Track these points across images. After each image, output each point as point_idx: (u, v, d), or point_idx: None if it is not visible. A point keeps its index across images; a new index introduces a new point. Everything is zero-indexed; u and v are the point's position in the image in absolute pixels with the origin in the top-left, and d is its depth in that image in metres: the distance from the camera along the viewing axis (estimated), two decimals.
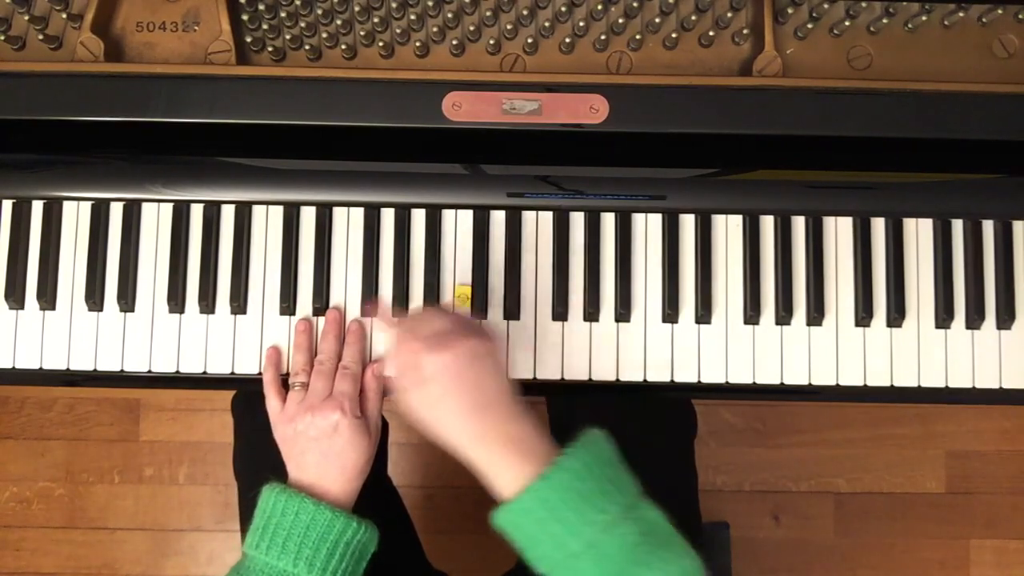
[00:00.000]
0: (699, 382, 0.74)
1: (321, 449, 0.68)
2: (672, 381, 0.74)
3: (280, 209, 0.75)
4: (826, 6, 0.73)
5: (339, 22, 0.74)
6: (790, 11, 0.74)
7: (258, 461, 0.83)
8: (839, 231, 0.75)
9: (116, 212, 0.74)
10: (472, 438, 0.60)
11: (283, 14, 0.73)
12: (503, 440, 0.60)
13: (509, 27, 0.74)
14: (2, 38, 0.73)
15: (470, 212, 0.75)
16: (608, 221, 0.75)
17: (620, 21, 0.73)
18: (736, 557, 1.30)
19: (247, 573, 0.64)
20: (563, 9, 0.74)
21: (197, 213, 0.75)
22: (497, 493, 0.60)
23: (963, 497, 1.45)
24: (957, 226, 0.76)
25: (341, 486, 0.68)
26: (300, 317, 0.74)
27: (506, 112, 0.72)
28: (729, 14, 0.74)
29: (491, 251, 0.75)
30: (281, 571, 0.63)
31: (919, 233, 0.76)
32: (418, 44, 0.74)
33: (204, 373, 0.74)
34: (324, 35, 0.74)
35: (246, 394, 0.87)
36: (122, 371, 0.74)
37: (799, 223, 0.75)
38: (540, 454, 0.59)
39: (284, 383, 0.72)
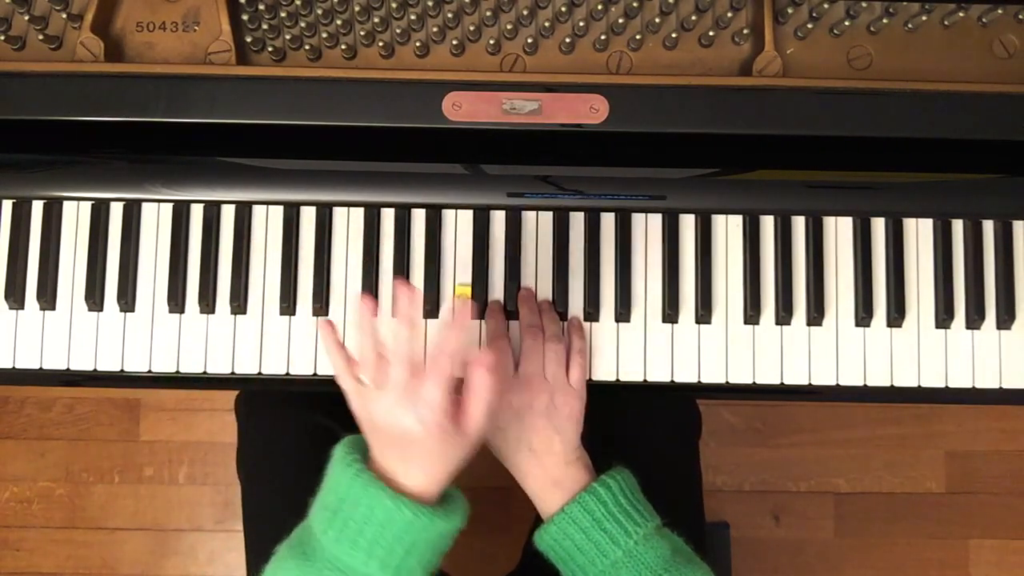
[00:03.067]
0: (699, 382, 0.74)
1: (404, 450, 0.59)
2: (672, 381, 0.74)
3: (280, 209, 0.75)
4: (826, 6, 0.73)
5: (339, 22, 0.74)
6: (790, 11, 0.74)
7: (262, 461, 0.83)
8: (839, 231, 0.75)
9: (116, 212, 0.74)
10: (524, 474, 0.67)
11: (283, 14, 0.73)
12: (551, 481, 0.66)
13: (509, 27, 0.74)
14: (2, 38, 0.73)
15: (470, 212, 0.75)
16: (608, 221, 0.75)
17: (620, 21, 0.73)
18: (736, 557, 1.30)
19: (315, 559, 0.57)
20: (563, 9, 0.74)
21: (197, 213, 0.75)
22: (545, 515, 0.66)
23: (963, 497, 1.45)
24: (957, 226, 0.76)
25: (423, 484, 0.59)
26: (300, 317, 0.74)
27: (506, 112, 0.72)
28: (729, 14, 0.74)
29: (491, 251, 0.75)
30: (350, 567, 0.56)
31: (919, 233, 0.76)
32: (418, 44, 0.74)
33: (204, 373, 0.74)
34: (324, 35, 0.74)
35: (249, 394, 0.87)
36: (122, 371, 0.74)
37: (799, 223, 0.75)
38: (581, 486, 0.66)
39: None
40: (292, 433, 0.82)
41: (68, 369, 0.74)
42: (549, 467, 0.67)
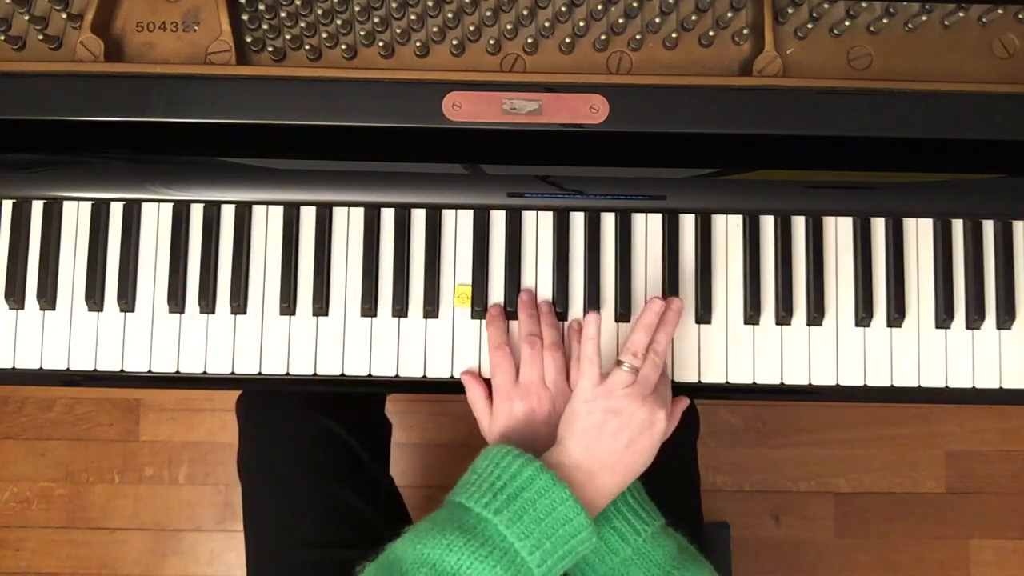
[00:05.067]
0: (699, 382, 0.74)
1: (624, 442, 0.63)
2: (672, 381, 0.74)
3: (280, 209, 0.75)
4: (826, 6, 0.73)
5: (339, 22, 0.74)
6: (790, 11, 0.74)
7: (263, 461, 0.84)
8: (839, 231, 0.75)
9: (116, 212, 0.74)
10: None
11: (283, 14, 0.74)
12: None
13: (509, 27, 0.74)
14: (2, 38, 0.73)
15: (470, 212, 0.75)
16: (608, 221, 0.75)
17: (620, 21, 0.73)
18: (736, 557, 1.30)
19: (481, 535, 0.57)
20: (563, 9, 0.74)
21: (197, 213, 0.75)
22: None
23: (963, 497, 1.45)
24: (957, 226, 0.76)
25: (601, 498, 0.62)
26: (300, 317, 0.74)
27: (506, 112, 0.72)
28: (729, 14, 0.74)
29: (491, 251, 0.75)
30: (515, 551, 0.56)
31: (919, 233, 0.76)
32: (418, 44, 0.74)
33: (204, 373, 0.74)
34: (324, 35, 0.74)
35: (251, 394, 0.87)
36: (122, 371, 0.74)
37: (799, 223, 0.75)
38: None
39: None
40: (293, 433, 0.82)
41: (68, 369, 0.74)
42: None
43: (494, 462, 0.61)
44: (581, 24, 0.73)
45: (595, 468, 0.62)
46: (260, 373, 0.74)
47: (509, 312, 0.74)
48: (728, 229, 0.75)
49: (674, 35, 0.73)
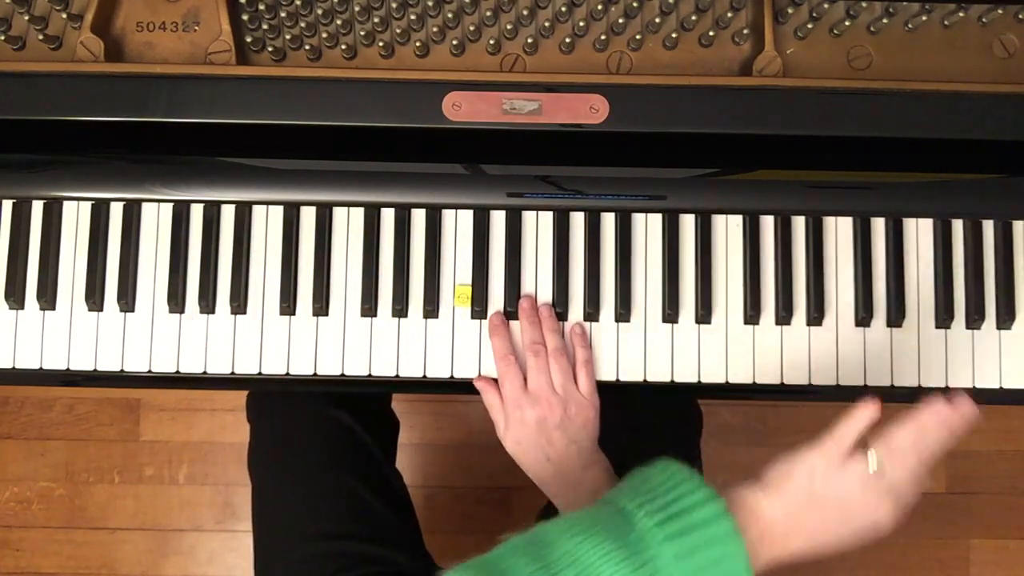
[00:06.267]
0: (699, 382, 0.74)
1: (832, 525, 0.58)
2: (672, 381, 0.74)
3: (280, 209, 0.75)
4: (826, 6, 0.73)
5: (339, 22, 0.74)
6: (790, 11, 0.74)
7: (276, 456, 0.84)
8: (839, 231, 0.75)
9: (116, 212, 0.74)
10: (545, 483, 0.71)
11: (283, 14, 0.74)
12: (571, 486, 0.70)
13: (509, 27, 0.74)
14: (2, 38, 0.73)
15: (470, 212, 0.75)
16: (608, 221, 0.75)
17: (620, 21, 0.73)
18: None
19: (643, 559, 0.51)
20: (563, 9, 0.74)
21: (197, 213, 0.75)
22: None
23: (963, 497, 1.45)
24: (957, 226, 0.76)
25: (792, 551, 0.57)
26: (300, 317, 0.74)
27: (506, 112, 0.72)
28: (729, 14, 0.74)
29: (491, 251, 0.75)
30: None
31: (919, 233, 0.76)
32: (418, 44, 0.74)
33: (204, 373, 0.74)
34: (324, 35, 0.74)
35: (261, 393, 0.87)
36: (122, 371, 0.74)
37: (799, 223, 0.75)
38: (600, 485, 0.69)
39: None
40: (306, 426, 0.83)
41: (68, 369, 0.74)
42: (567, 474, 0.68)
43: (675, 480, 0.55)
44: (581, 24, 0.73)
45: (789, 531, 0.57)
46: (260, 373, 0.74)
47: (509, 313, 0.74)
48: (728, 229, 0.75)
49: (674, 35, 0.73)
